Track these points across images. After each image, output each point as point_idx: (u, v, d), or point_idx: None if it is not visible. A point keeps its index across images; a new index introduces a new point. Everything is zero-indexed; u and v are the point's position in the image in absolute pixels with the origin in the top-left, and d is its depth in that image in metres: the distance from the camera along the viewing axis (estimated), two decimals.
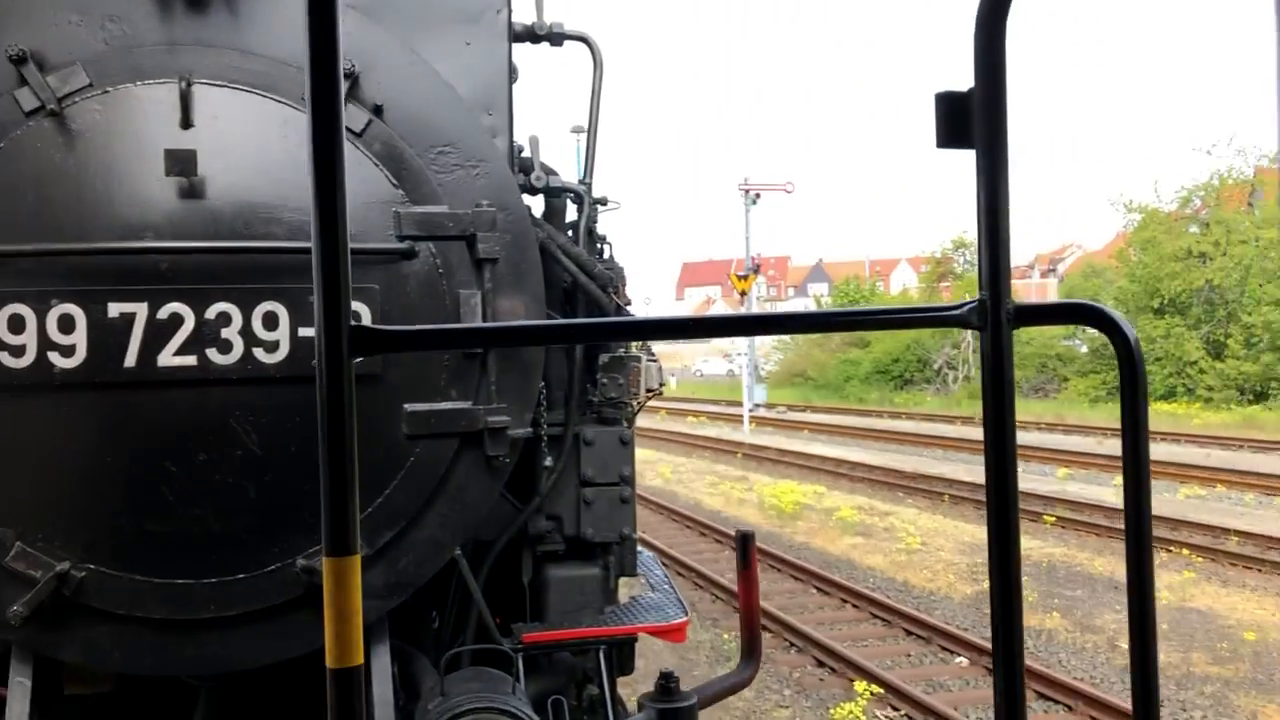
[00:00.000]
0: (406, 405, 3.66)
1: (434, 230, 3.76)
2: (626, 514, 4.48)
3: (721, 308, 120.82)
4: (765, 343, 66.13)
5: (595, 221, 4.72)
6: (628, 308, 4.60)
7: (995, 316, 1.71)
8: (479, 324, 3.73)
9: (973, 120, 1.70)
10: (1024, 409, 36.08)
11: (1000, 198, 1.70)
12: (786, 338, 70.42)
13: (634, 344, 4.58)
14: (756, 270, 40.65)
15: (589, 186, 4.67)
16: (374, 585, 3.69)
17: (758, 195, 41.28)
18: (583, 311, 4.44)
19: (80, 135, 3.52)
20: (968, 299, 1.74)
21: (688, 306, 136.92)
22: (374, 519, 3.70)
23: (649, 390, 4.64)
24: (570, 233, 4.66)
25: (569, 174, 4.83)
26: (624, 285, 4.61)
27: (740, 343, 57.62)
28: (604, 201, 4.75)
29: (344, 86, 3.78)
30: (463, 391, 3.79)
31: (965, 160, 1.75)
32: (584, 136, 4.90)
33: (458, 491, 3.85)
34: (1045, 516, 18.17)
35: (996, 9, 1.67)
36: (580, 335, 3.62)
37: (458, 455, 3.81)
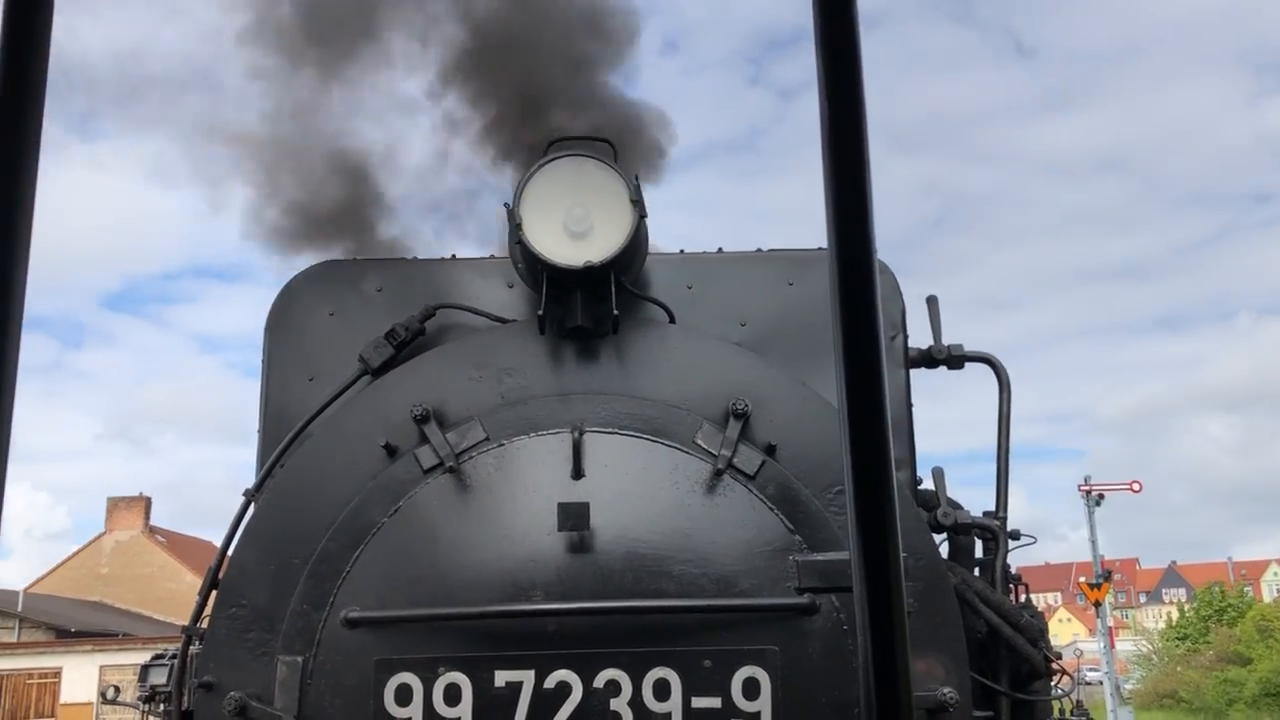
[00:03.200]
0: None
1: (837, 581, 3.30)
2: None
3: (1064, 616, 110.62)
4: (1123, 654, 58.95)
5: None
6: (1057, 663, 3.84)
7: None
8: None
9: None
10: None
11: None
12: (1146, 650, 62.55)
13: None
14: (1108, 577, 36.94)
15: (1003, 521, 4.08)
16: None
17: (1101, 496, 38.20)
18: (1005, 667, 3.74)
19: (474, 490, 3.43)
20: None
21: None
22: None
23: None
24: (977, 571, 4.05)
25: None
26: (1048, 634, 3.89)
27: (1089, 652, 51.56)
28: (1016, 536, 4.12)
29: (737, 427, 3.56)
30: None
31: None
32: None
33: None
34: None
35: None
36: None
37: None
